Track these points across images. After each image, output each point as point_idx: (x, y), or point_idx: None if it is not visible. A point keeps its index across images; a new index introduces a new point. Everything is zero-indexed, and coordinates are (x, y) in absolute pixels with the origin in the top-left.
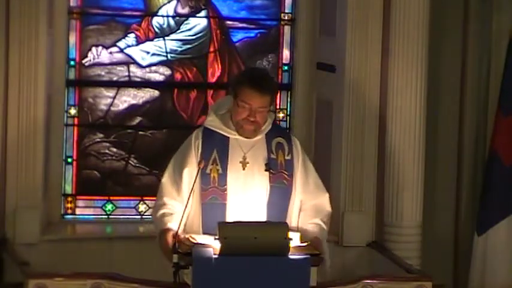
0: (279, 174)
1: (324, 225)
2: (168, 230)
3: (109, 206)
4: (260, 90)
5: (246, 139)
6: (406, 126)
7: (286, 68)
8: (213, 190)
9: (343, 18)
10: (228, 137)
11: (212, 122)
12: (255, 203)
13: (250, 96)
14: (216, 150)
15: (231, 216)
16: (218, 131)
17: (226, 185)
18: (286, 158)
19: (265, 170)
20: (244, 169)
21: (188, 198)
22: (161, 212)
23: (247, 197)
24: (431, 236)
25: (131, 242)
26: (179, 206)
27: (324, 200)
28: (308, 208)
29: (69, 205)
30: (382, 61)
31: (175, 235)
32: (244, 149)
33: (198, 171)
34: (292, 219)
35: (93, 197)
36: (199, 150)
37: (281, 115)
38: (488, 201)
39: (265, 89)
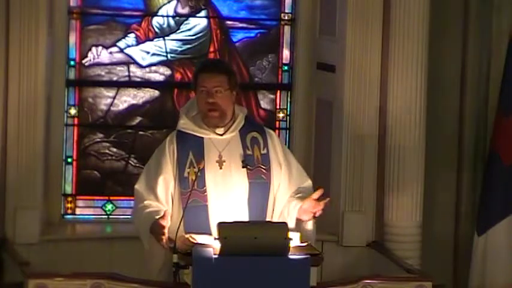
0: (257, 169)
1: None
2: (162, 217)
3: (109, 206)
4: (210, 70)
5: (220, 137)
6: (406, 126)
7: (286, 68)
8: (193, 193)
9: (343, 18)
10: (202, 138)
11: (185, 124)
12: (235, 202)
13: (203, 79)
14: (192, 152)
15: (213, 217)
16: (192, 132)
17: (205, 186)
18: (262, 152)
19: (243, 167)
20: (221, 168)
21: (185, 205)
22: (148, 210)
23: (227, 196)
24: (431, 236)
25: (131, 242)
26: (162, 207)
27: (307, 186)
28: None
29: (69, 205)
30: (382, 61)
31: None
32: (219, 148)
33: (198, 172)
34: (268, 213)
35: (93, 197)
36: (175, 156)
37: (281, 115)
38: (488, 201)
39: (215, 69)
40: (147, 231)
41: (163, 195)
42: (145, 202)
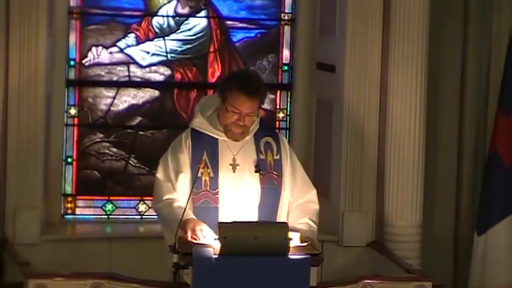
0: (269, 175)
1: (313, 224)
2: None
3: (109, 206)
4: (250, 96)
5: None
6: (406, 126)
7: (286, 68)
8: (204, 194)
9: (343, 18)
10: (217, 139)
11: (200, 123)
12: (246, 205)
13: (240, 102)
14: (206, 152)
15: (223, 220)
16: (206, 132)
17: (218, 188)
18: (275, 158)
19: (255, 172)
20: (234, 171)
21: (186, 204)
22: (177, 204)
23: (238, 199)
24: (431, 236)
25: (131, 242)
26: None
27: (311, 197)
28: (296, 207)
29: (69, 205)
30: (382, 61)
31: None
32: (233, 151)
33: (198, 170)
34: (282, 220)
35: (93, 197)
36: (190, 153)
37: (281, 115)
38: (488, 201)
39: (254, 94)
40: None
41: (179, 192)
42: (175, 194)
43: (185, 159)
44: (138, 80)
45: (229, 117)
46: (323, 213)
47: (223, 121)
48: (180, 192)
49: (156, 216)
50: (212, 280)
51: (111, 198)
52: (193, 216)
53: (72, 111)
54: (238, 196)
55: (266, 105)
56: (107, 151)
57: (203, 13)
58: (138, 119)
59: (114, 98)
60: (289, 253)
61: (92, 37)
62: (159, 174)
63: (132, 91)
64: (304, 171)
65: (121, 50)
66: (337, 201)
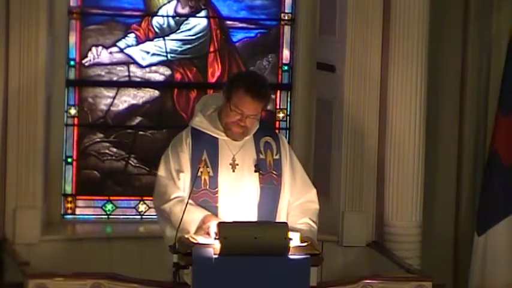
0: (268, 174)
1: (313, 224)
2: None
3: (109, 206)
4: (255, 98)
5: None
6: (406, 126)
7: (286, 68)
8: (204, 193)
9: (343, 18)
10: (217, 138)
11: (200, 122)
12: (245, 205)
13: (244, 103)
14: (206, 151)
15: (222, 219)
16: (206, 131)
17: (217, 187)
18: (275, 157)
19: (255, 171)
20: (234, 171)
21: (186, 204)
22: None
23: (238, 198)
24: (431, 236)
25: (131, 242)
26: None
27: (311, 197)
28: (296, 207)
29: (69, 205)
30: (382, 61)
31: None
32: (233, 150)
33: (198, 170)
34: (281, 219)
35: (93, 197)
36: (190, 151)
37: (281, 115)
38: (488, 201)
39: (260, 97)
40: (195, 220)
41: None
42: (182, 193)
43: (186, 158)
44: (138, 80)
45: (231, 116)
46: (323, 213)
47: (225, 119)
48: (181, 189)
49: (155, 216)
50: (212, 280)
51: (111, 198)
52: (209, 212)
53: (72, 111)
54: (238, 195)
55: None
56: (107, 151)
57: (203, 13)
58: (138, 119)
59: (114, 98)
60: (289, 253)
61: (92, 37)
62: (161, 172)
63: (132, 91)
64: (304, 171)
65: (121, 50)
66: (337, 201)
